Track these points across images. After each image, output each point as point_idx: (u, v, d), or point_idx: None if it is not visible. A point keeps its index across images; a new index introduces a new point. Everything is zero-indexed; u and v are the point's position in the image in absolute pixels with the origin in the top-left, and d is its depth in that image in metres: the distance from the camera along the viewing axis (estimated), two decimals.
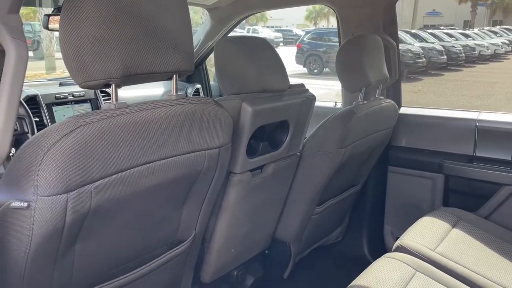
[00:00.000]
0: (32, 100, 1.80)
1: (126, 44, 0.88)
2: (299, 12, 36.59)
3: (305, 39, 13.78)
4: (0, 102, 0.76)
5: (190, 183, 1.14)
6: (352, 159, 1.71)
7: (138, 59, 0.90)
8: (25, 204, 0.81)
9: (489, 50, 16.35)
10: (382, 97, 1.87)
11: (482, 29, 21.19)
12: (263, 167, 1.48)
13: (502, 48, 17.51)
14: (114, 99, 0.92)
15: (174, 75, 1.01)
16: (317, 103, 1.61)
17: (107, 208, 0.93)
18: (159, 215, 1.14)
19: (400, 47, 2.07)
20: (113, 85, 0.90)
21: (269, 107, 1.34)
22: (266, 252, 1.79)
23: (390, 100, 1.88)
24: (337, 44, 2.11)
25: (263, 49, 1.38)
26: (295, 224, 1.74)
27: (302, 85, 1.57)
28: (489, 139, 1.89)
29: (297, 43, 14.14)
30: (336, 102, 2.37)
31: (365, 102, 1.71)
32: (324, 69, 13.01)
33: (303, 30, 18.90)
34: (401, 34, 13.34)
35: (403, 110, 2.11)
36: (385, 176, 2.13)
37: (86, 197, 0.86)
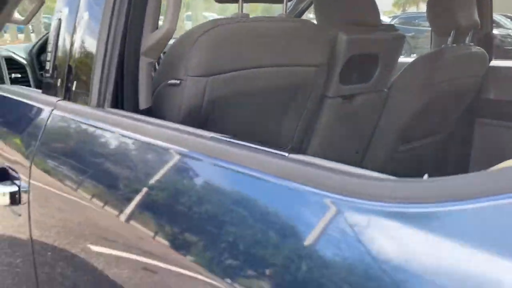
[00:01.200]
0: None
1: None
2: None
3: (392, 23, 13.37)
4: None
5: (290, 96, 1.34)
6: (438, 102, 1.78)
7: None
8: (178, 82, 1.06)
9: None
10: (472, 44, 1.91)
11: None
12: (352, 99, 1.63)
13: None
14: (240, 11, 1.15)
15: None
16: (404, 59, 1.69)
17: (227, 100, 1.16)
18: (264, 119, 1.35)
19: (498, 32, 2.05)
20: None
21: (363, 38, 1.49)
22: None
23: (480, 48, 1.91)
24: (427, 29, 2.16)
25: None
26: (379, 159, 1.86)
27: (392, 26, 1.69)
28: None
29: None
30: None
31: (454, 45, 1.78)
32: (411, 55, 12.53)
33: (389, 17, 18.30)
34: (500, 19, 12.36)
35: (494, 63, 2.11)
36: (471, 129, 2.15)
37: (218, 85, 1.10)
